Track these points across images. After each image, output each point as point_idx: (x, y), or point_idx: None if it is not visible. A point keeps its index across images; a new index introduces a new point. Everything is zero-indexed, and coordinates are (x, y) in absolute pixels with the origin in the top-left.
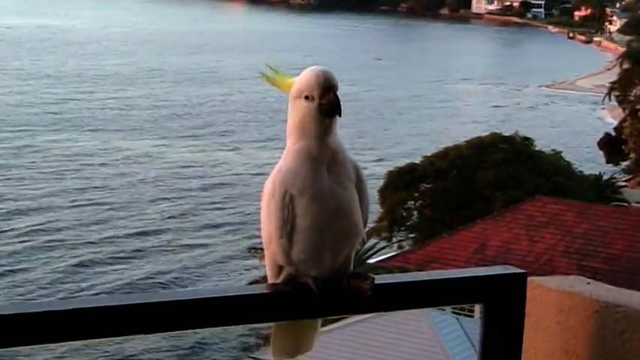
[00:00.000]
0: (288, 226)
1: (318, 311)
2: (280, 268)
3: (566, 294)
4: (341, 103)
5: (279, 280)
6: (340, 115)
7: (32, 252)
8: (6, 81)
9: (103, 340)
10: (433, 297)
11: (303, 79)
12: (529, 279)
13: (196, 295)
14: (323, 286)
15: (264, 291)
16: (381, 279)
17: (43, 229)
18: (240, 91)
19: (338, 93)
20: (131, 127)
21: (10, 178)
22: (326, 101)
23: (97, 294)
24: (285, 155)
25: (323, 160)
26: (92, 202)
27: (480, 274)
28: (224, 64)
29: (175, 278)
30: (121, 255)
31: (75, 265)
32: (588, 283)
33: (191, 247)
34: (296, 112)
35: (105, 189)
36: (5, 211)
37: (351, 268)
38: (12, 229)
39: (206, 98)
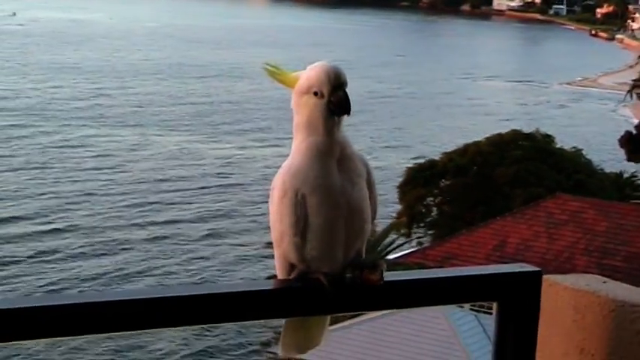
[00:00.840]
0: (301, 225)
1: (330, 307)
2: (291, 266)
3: (582, 292)
4: (350, 101)
5: (291, 277)
6: (349, 114)
7: (72, 246)
8: (37, 75)
9: (114, 334)
10: (447, 294)
11: (312, 74)
12: (544, 277)
13: (208, 290)
14: (334, 281)
15: (276, 287)
16: (394, 276)
17: (77, 225)
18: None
19: (347, 90)
20: (163, 122)
21: (42, 175)
22: (336, 99)
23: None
24: (294, 152)
25: (333, 156)
26: (127, 199)
27: (495, 272)
28: (247, 59)
29: (217, 271)
30: (159, 249)
31: (120, 262)
32: (604, 282)
33: (233, 244)
34: (304, 108)
35: (133, 184)
36: (42, 208)
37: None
38: (53, 225)
39: (234, 93)
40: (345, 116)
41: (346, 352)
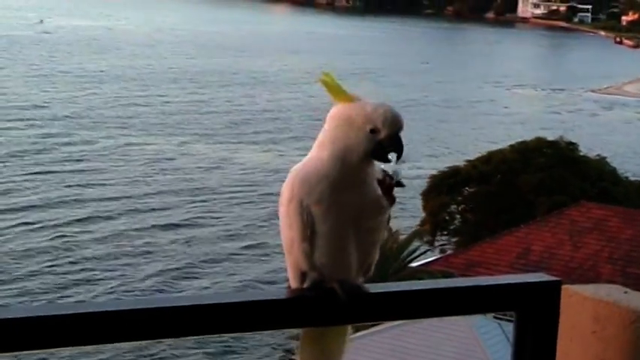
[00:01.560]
0: (308, 231)
1: (346, 317)
2: (304, 274)
3: (603, 303)
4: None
5: (304, 286)
6: (399, 159)
7: (109, 255)
8: (67, 82)
9: (126, 344)
10: (465, 304)
11: (377, 113)
12: (564, 287)
13: (221, 300)
14: (350, 290)
15: (289, 296)
16: (411, 285)
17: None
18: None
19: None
20: (190, 130)
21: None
22: (393, 148)
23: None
24: (311, 160)
25: (349, 184)
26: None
27: (514, 282)
28: (274, 66)
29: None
30: (194, 259)
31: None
32: (625, 292)
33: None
34: (349, 136)
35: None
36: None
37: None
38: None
39: (256, 101)
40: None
41: None
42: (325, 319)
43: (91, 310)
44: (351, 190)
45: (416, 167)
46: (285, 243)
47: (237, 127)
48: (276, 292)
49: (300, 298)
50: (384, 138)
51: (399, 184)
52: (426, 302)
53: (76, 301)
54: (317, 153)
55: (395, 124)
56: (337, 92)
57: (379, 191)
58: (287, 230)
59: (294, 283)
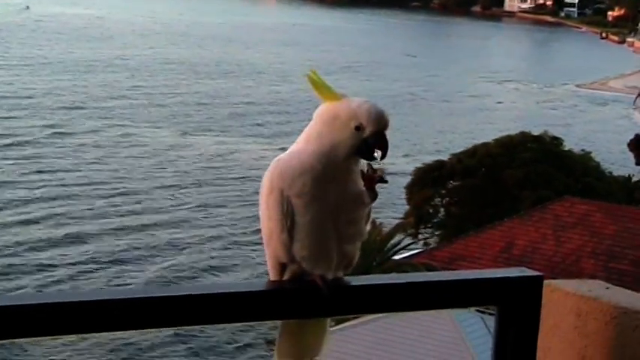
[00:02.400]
0: (288, 222)
1: (326, 310)
2: (283, 266)
3: (584, 299)
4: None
5: (284, 278)
6: (384, 158)
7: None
8: (52, 71)
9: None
10: (446, 298)
11: (361, 110)
12: (546, 282)
13: (201, 291)
14: (331, 283)
15: (269, 287)
16: (390, 278)
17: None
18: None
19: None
20: (171, 119)
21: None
22: (377, 140)
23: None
24: (294, 153)
25: (332, 178)
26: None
27: (495, 276)
28: (261, 59)
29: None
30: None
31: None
32: (607, 288)
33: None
34: (335, 133)
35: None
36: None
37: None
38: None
39: (244, 93)
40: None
41: (351, 352)
42: (306, 311)
43: (67, 300)
44: (333, 184)
45: (400, 160)
46: (265, 234)
47: (224, 119)
48: (256, 284)
49: (281, 290)
50: (369, 135)
51: (382, 180)
52: (406, 296)
53: (53, 291)
54: (302, 146)
55: (380, 121)
56: (323, 90)
57: (361, 185)
58: (266, 221)
59: (273, 275)
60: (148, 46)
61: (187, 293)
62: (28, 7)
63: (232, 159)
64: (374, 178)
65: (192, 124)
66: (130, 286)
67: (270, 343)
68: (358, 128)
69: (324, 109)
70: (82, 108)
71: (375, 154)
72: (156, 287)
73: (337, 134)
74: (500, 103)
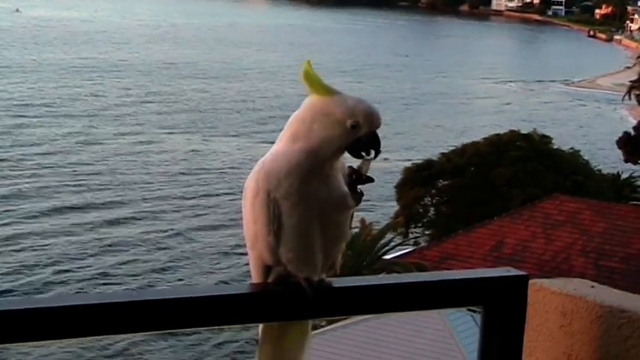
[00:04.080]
0: (274, 224)
1: (310, 312)
2: (268, 270)
3: (570, 297)
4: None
5: (269, 280)
6: (377, 156)
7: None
8: (43, 75)
9: (88, 339)
10: (431, 299)
11: (358, 109)
12: (531, 281)
13: (185, 294)
14: (315, 286)
15: (254, 290)
16: (375, 280)
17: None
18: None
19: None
20: (157, 122)
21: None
22: (370, 138)
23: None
24: (278, 154)
25: (319, 176)
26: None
27: (480, 276)
28: (251, 59)
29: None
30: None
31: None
32: (592, 287)
33: None
34: (325, 131)
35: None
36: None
37: (337, 268)
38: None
39: (232, 94)
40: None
41: (342, 353)
42: (290, 313)
43: (56, 305)
44: (318, 183)
45: (390, 160)
46: (249, 237)
47: (211, 120)
48: (240, 287)
49: (265, 292)
50: (364, 134)
51: (369, 179)
52: (391, 297)
53: (47, 296)
54: (287, 145)
55: (376, 121)
56: (317, 84)
57: (345, 188)
58: (251, 224)
59: (257, 278)
60: (137, 49)
61: (172, 297)
62: (18, 10)
63: (219, 159)
64: (360, 178)
65: (179, 123)
66: (110, 291)
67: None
68: (354, 127)
69: (316, 103)
70: (66, 108)
71: (366, 154)
72: (140, 291)
73: (330, 131)
74: (488, 102)
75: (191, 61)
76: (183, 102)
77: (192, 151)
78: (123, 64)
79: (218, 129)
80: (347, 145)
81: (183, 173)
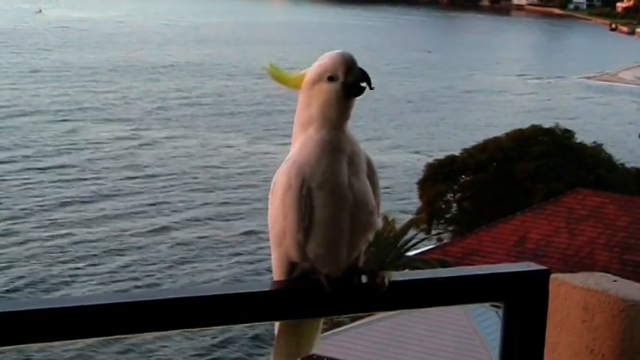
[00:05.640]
0: (305, 220)
1: (329, 309)
2: (292, 266)
3: (592, 292)
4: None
5: (291, 277)
6: (370, 87)
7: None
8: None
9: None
10: (451, 295)
11: (325, 61)
12: (553, 276)
13: (208, 292)
14: (335, 283)
15: (275, 288)
16: (398, 276)
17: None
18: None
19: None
20: (176, 121)
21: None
22: (353, 78)
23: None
24: (302, 146)
25: (344, 152)
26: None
27: (501, 271)
28: (273, 58)
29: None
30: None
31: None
32: (615, 281)
33: None
34: (316, 97)
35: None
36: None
37: (361, 264)
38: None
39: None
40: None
41: (366, 350)
42: (310, 310)
43: (61, 306)
44: (348, 171)
45: (413, 156)
46: (276, 234)
47: (231, 118)
48: (263, 284)
49: (287, 290)
50: (345, 77)
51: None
52: (411, 294)
53: (53, 297)
54: (300, 138)
55: (347, 61)
56: (286, 79)
57: (370, 191)
58: (280, 221)
59: (279, 275)
60: (161, 49)
61: (198, 295)
62: (40, 11)
63: (237, 157)
64: (381, 283)
65: (200, 124)
66: (132, 290)
67: None
68: (331, 78)
69: (301, 92)
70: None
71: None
72: (163, 290)
73: (322, 99)
74: (510, 96)
75: (216, 60)
76: (204, 100)
77: (220, 149)
78: (142, 65)
79: (238, 128)
80: (342, 96)
81: (220, 174)
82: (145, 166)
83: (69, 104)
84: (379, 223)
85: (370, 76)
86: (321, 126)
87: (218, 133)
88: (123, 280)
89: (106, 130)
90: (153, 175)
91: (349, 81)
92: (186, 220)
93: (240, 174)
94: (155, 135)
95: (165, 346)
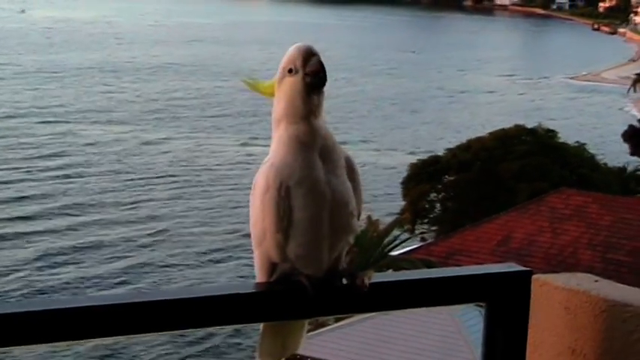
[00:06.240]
0: (284, 220)
1: (312, 311)
2: (273, 267)
3: (573, 292)
4: (325, 67)
5: (272, 279)
6: (325, 80)
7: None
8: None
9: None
10: (433, 296)
11: (284, 57)
12: (535, 277)
13: (188, 295)
14: (316, 284)
15: (256, 290)
16: (379, 277)
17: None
18: None
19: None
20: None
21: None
22: (310, 68)
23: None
24: (276, 147)
25: (315, 146)
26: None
27: (483, 272)
28: (250, 57)
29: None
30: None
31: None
32: (596, 281)
33: None
34: (283, 92)
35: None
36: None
37: (343, 265)
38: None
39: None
40: (324, 99)
41: (350, 349)
42: (292, 312)
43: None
44: (323, 160)
45: (396, 155)
46: (256, 235)
47: (214, 119)
48: (243, 286)
49: (268, 292)
50: (303, 68)
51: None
52: (393, 295)
53: (44, 298)
54: (276, 135)
55: (303, 52)
56: (262, 88)
57: (350, 189)
58: (259, 222)
59: (261, 277)
60: (144, 50)
61: (180, 297)
62: (23, 11)
63: (222, 159)
64: (361, 285)
65: (184, 123)
66: (111, 292)
67: None
68: (291, 71)
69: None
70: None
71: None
72: (144, 292)
73: (287, 94)
74: (493, 96)
75: (198, 60)
76: (186, 101)
77: (194, 150)
78: (128, 65)
79: (221, 128)
80: (302, 87)
81: (188, 172)
82: (134, 168)
83: (56, 106)
84: (363, 223)
85: (352, 75)
86: (289, 121)
87: (206, 134)
88: (108, 282)
89: (93, 132)
90: (142, 178)
91: (306, 71)
92: (175, 223)
93: (228, 177)
94: (144, 136)
95: (143, 351)
